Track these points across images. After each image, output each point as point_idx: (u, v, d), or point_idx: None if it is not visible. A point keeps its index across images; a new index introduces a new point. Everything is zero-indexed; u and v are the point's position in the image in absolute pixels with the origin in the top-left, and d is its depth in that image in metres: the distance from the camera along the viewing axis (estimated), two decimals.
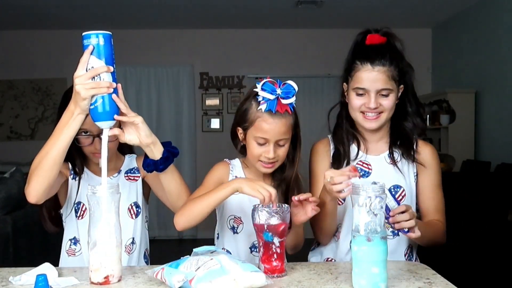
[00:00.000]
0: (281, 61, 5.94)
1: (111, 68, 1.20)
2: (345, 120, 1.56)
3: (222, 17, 5.43)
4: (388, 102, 1.45)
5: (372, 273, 1.09)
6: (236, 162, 1.54)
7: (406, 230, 1.27)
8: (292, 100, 1.36)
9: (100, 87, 1.18)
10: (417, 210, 1.59)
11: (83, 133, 1.46)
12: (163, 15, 5.33)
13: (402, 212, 1.25)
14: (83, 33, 1.21)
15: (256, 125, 1.39)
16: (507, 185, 3.54)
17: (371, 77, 1.42)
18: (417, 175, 1.54)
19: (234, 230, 1.52)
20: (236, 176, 1.51)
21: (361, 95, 1.45)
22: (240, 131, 1.46)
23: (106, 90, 1.18)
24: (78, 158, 1.53)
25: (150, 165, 1.35)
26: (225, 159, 1.56)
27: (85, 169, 1.57)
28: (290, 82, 1.36)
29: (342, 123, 1.56)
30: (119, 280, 1.20)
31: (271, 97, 1.34)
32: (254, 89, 1.39)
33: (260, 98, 1.36)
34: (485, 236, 3.30)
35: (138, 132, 1.29)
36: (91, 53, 1.19)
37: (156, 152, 1.33)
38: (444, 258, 2.95)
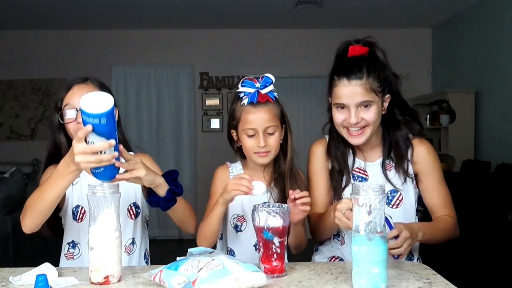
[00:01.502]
0: (281, 61, 5.94)
1: (113, 142, 1.14)
2: (336, 135, 1.55)
3: (222, 17, 5.43)
4: (370, 115, 1.42)
5: (372, 273, 1.09)
6: (237, 164, 1.59)
7: (396, 256, 1.29)
8: (270, 88, 1.44)
9: (101, 161, 1.14)
10: (421, 210, 1.58)
11: (67, 108, 1.46)
12: (163, 15, 5.33)
13: (395, 237, 1.27)
14: (82, 108, 1.10)
15: (243, 119, 1.46)
16: (507, 185, 3.54)
17: (348, 91, 1.41)
18: (416, 175, 1.54)
19: (237, 229, 1.53)
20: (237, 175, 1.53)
21: (342, 109, 1.45)
22: (234, 132, 1.52)
23: (108, 162, 1.16)
24: None
25: (153, 203, 1.39)
26: (226, 163, 1.60)
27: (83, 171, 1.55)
28: (267, 74, 1.44)
29: (334, 138, 1.56)
30: (119, 280, 1.20)
31: (251, 90, 1.44)
32: (237, 90, 1.48)
33: (242, 95, 1.46)
34: (485, 236, 3.30)
35: (141, 180, 1.30)
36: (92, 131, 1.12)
37: (160, 191, 1.36)
38: (444, 258, 2.94)
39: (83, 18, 5.33)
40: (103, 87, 1.52)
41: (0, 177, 3.46)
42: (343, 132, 1.48)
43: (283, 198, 1.48)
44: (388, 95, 1.48)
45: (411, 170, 1.52)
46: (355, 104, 1.41)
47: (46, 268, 1.24)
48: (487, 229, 3.32)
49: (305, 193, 1.33)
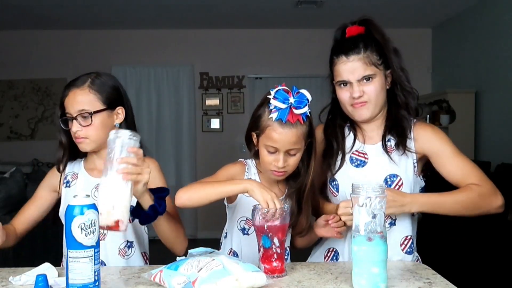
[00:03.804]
0: (281, 61, 5.94)
1: None
2: (337, 115, 1.55)
3: (222, 17, 5.43)
4: (372, 88, 1.43)
5: (372, 273, 1.09)
6: (251, 163, 1.53)
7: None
8: (304, 110, 1.33)
9: None
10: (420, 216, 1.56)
11: (67, 116, 1.45)
12: (163, 15, 5.33)
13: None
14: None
15: (267, 133, 1.36)
16: (507, 185, 3.54)
17: (348, 68, 1.42)
18: (417, 161, 1.48)
19: (244, 231, 1.51)
20: (251, 178, 1.49)
21: (345, 86, 1.45)
22: (254, 136, 1.44)
23: None
24: (67, 154, 1.52)
25: (134, 214, 1.31)
26: (240, 159, 1.54)
27: (83, 170, 1.53)
28: (303, 91, 1.34)
29: (335, 118, 1.56)
30: (125, 229, 1.18)
31: (283, 106, 1.31)
32: (268, 96, 1.36)
33: (271, 106, 1.33)
34: (485, 236, 3.30)
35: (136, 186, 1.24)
36: None
37: (144, 203, 1.30)
38: (444, 258, 2.94)
39: (83, 18, 5.33)
40: (103, 91, 1.46)
41: (0, 177, 3.46)
42: (349, 110, 1.48)
43: (297, 208, 1.46)
44: (389, 70, 1.47)
45: (412, 148, 1.47)
46: (356, 79, 1.42)
47: (46, 268, 1.25)
48: (487, 229, 3.32)
49: (339, 217, 1.40)
